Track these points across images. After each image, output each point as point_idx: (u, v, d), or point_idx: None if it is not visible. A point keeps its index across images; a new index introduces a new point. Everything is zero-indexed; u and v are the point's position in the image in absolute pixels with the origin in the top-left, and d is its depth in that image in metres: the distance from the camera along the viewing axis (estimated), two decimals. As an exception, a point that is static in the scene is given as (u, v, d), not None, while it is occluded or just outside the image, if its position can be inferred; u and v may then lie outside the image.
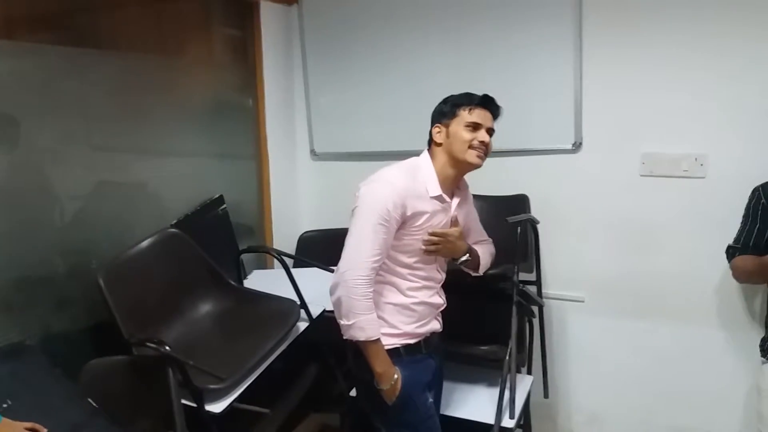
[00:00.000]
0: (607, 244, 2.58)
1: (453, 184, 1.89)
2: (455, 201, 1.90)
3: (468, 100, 1.83)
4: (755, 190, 2.15)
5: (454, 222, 1.90)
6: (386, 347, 1.79)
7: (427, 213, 1.80)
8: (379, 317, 1.79)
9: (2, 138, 1.91)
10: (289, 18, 3.01)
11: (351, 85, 2.94)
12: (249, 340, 1.98)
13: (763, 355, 2.14)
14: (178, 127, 2.57)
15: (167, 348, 1.63)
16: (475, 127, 1.81)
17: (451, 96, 1.87)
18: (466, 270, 2.01)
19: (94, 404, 1.70)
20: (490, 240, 2.12)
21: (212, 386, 1.74)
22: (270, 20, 2.89)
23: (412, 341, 1.87)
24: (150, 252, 2.06)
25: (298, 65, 3.05)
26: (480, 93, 1.86)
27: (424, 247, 1.82)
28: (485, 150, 1.82)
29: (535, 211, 2.50)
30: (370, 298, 1.75)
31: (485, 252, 2.03)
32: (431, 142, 1.88)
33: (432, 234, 1.82)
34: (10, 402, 1.59)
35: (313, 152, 3.12)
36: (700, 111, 2.35)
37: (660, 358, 2.56)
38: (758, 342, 2.19)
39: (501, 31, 2.59)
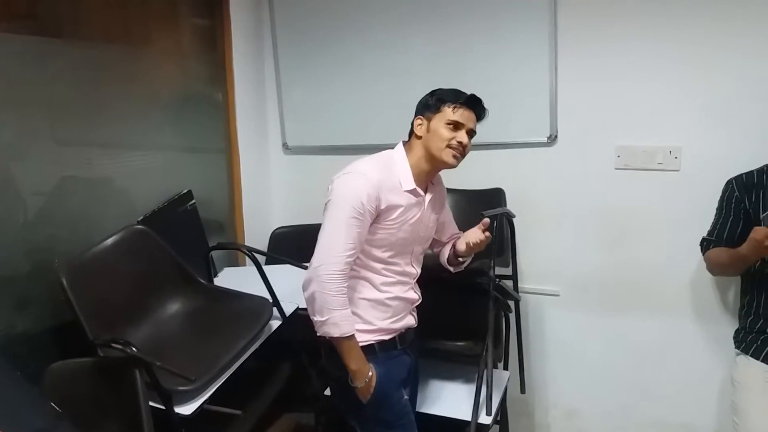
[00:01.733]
0: (582, 238, 2.58)
1: (427, 179, 1.86)
2: (428, 196, 1.86)
3: (454, 97, 1.79)
4: (728, 183, 2.16)
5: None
6: (360, 344, 1.76)
7: (401, 206, 1.77)
8: (354, 313, 1.76)
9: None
10: (259, 7, 2.95)
11: (324, 77, 2.89)
12: (219, 340, 1.92)
13: (737, 347, 2.16)
14: (145, 120, 2.48)
15: (134, 349, 1.57)
16: (456, 126, 1.77)
17: (439, 90, 1.83)
18: (446, 266, 1.98)
19: (58, 408, 1.64)
20: (462, 234, 2.09)
21: (181, 388, 1.68)
22: (240, 9, 2.82)
23: (386, 337, 1.84)
24: (115, 249, 1.99)
25: (269, 56, 2.99)
26: (454, 86, 1.82)
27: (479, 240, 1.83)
28: (462, 151, 1.79)
29: (511, 205, 2.49)
30: (345, 294, 1.71)
31: None
32: (412, 133, 1.85)
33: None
34: (-33, 408, 1.52)
35: (285, 146, 3.06)
36: (674, 104, 2.35)
37: (635, 351, 2.57)
38: (732, 334, 2.21)
39: (476, 24, 2.56)
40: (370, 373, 1.76)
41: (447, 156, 1.77)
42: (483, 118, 1.84)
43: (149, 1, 2.50)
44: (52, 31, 2.11)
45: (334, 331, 1.70)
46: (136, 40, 2.47)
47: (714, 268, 2.22)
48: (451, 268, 2.01)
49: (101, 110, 2.25)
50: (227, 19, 2.78)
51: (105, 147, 2.29)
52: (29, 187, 2.02)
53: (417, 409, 2.05)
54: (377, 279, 1.81)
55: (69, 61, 2.14)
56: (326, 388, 2.13)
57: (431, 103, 1.81)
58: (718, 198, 2.20)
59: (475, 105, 1.80)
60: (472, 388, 2.11)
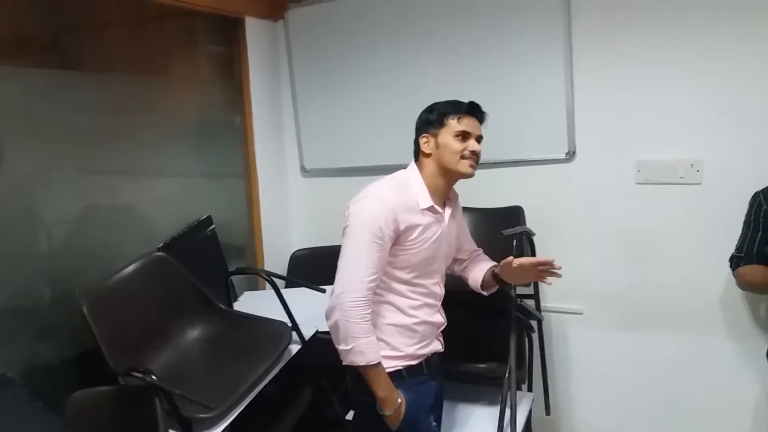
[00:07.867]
0: (604, 255, 2.54)
1: (444, 194, 1.84)
2: (448, 211, 1.85)
3: (455, 108, 1.79)
4: (755, 196, 2.10)
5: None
6: (388, 370, 1.73)
7: (420, 226, 1.75)
8: (380, 339, 1.73)
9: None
10: (275, 34, 2.98)
11: (340, 100, 2.90)
12: (239, 366, 1.92)
13: (771, 364, 2.09)
14: (165, 148, 2.52)
15: (154, 377, 1.57)
16: (464, 136, 1.77)
17: (437, 104, 1.82)
18: (478, 291, 1.98)
19: (79, 438, 1.64)
20: (481, 250, 2.07)
21: (201, 415, 1.68)
22: (256, 36, 2.85)
23: (414, 362, 1.81)
24: (135, 277, 2.00)
25: (285, 81, 3.02)
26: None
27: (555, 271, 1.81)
28: (476, 159, 1.78)
29: (530, 223, 2.46)
30: (368, 320, 1.68)
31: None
32: (418, 152, 1.84)
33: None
34: (-11, 439, 1.53)
35: (303, 169, 3.08)
36: (694, 116, 2.32)
37: (663, 370, 2.50)
38: (766, 350, 2.15)
39: (489, 42, 2.56)
40: (399, 400, 1.72)
41: (464, 167, 1.77)
42: (484, 121, 1.84)
43: (167, 31, 2.55)
44: (73, 64, 2.16)
45: (360, 360, 1.67)
46: (154, 69, 2.52)
47: (746, 285, 2.14)
48: (485, 292, 1.98)
49: (122, 139, 2.28)
50: (243, 46, 2.81)
51: (126, 175, 2.32)
52: (52, 217, 2.06)
53: (441, 434, 2.02)
54: (403, 302, 1.79)
55: (90, 93, 2.18)
56: (348, 413, 2.11)
57: (433, 119, 1.80)
58: (742, 211, 2.14)
59: (476, 111, 1.81)
60: (496, 410, 2.08)
